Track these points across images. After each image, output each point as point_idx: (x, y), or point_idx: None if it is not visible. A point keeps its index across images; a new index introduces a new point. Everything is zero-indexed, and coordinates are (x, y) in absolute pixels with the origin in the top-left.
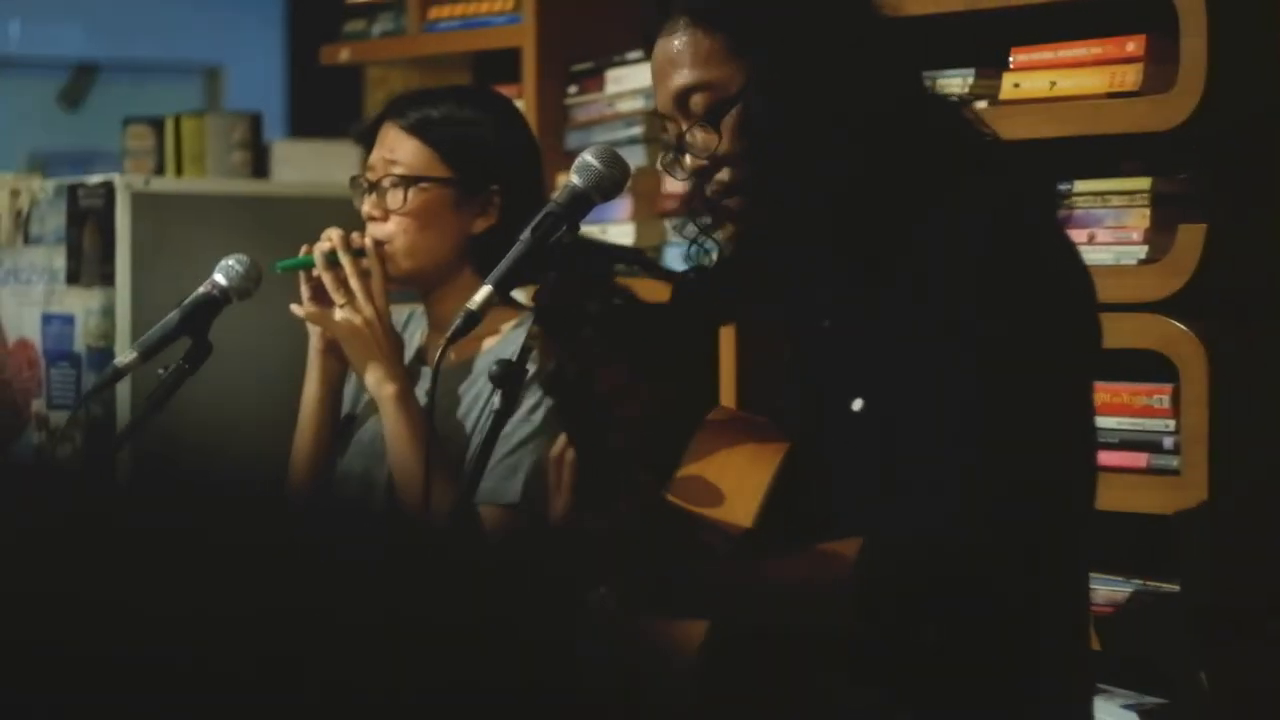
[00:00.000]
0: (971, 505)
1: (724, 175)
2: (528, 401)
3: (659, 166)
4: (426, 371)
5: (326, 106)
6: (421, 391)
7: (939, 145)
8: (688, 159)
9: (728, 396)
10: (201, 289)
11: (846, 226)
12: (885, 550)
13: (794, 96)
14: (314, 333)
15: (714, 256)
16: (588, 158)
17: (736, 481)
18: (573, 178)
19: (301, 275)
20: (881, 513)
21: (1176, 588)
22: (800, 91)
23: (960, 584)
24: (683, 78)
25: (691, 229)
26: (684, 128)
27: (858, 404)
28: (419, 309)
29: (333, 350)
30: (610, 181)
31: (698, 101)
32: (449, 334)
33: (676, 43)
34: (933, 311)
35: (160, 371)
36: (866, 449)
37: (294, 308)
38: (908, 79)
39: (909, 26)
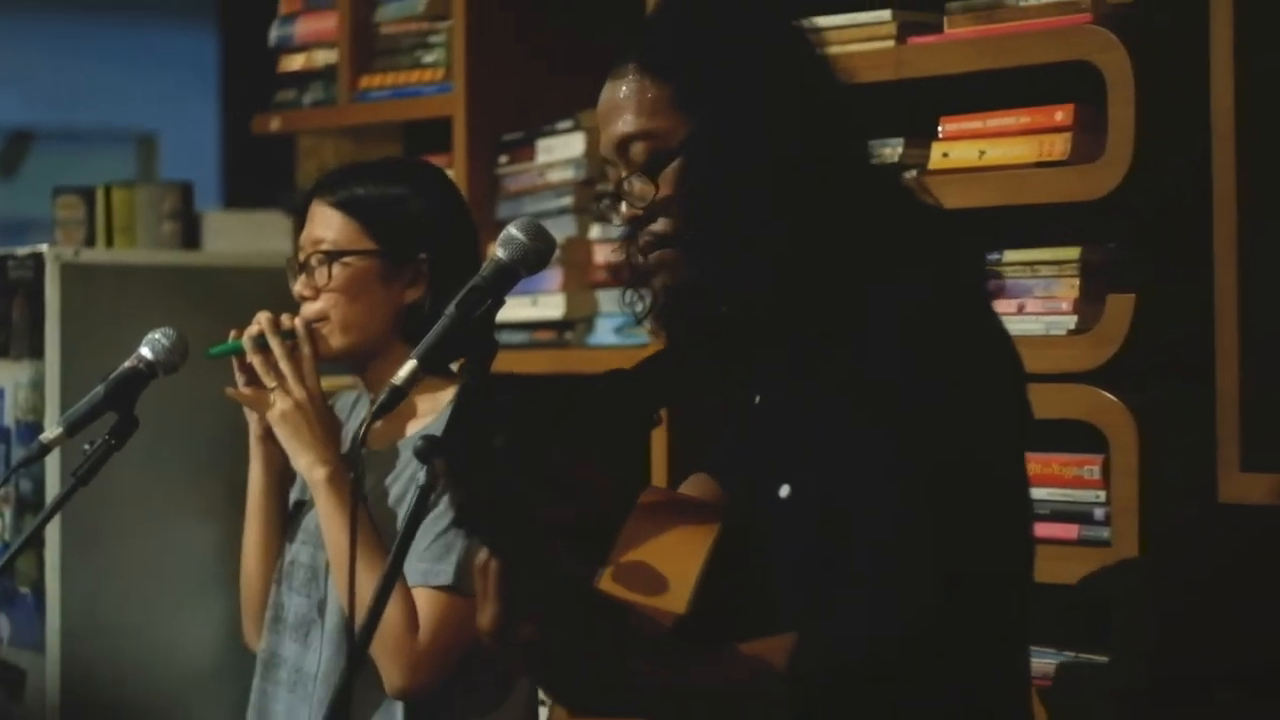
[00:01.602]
0: (897, 601)
1: (658, 225)
2: None
3: (596, 213)
4: (366, 455)
5: (260, 175)
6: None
7: (877, 216)
8: (624, 206)
9: (659, 478)
10: (127, 363)
11: (777, 296)
12: (813, 649)
13: (735, 156)
14: (253, 419)
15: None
16: (512, 230)
17: (669, 565)
18: (497, 251)
19: (234, 360)
20: (812, 605)
21: (1107, 659)
22: (742, 152)
23: (891, 681)
24: (626, 125)
25: (629, 294)
26: (623, 175)
27: (784, 490)
28: (366, 393)
29: (272, 435)
30: (535, 254)
31: (639, 150)
32: (373, 409)
33: (624, 88)
34: (858, 400)
35: (86, 447)
36: (796, 535)
37: (228, 390)
38: (852, 145)
39: (849, 94)
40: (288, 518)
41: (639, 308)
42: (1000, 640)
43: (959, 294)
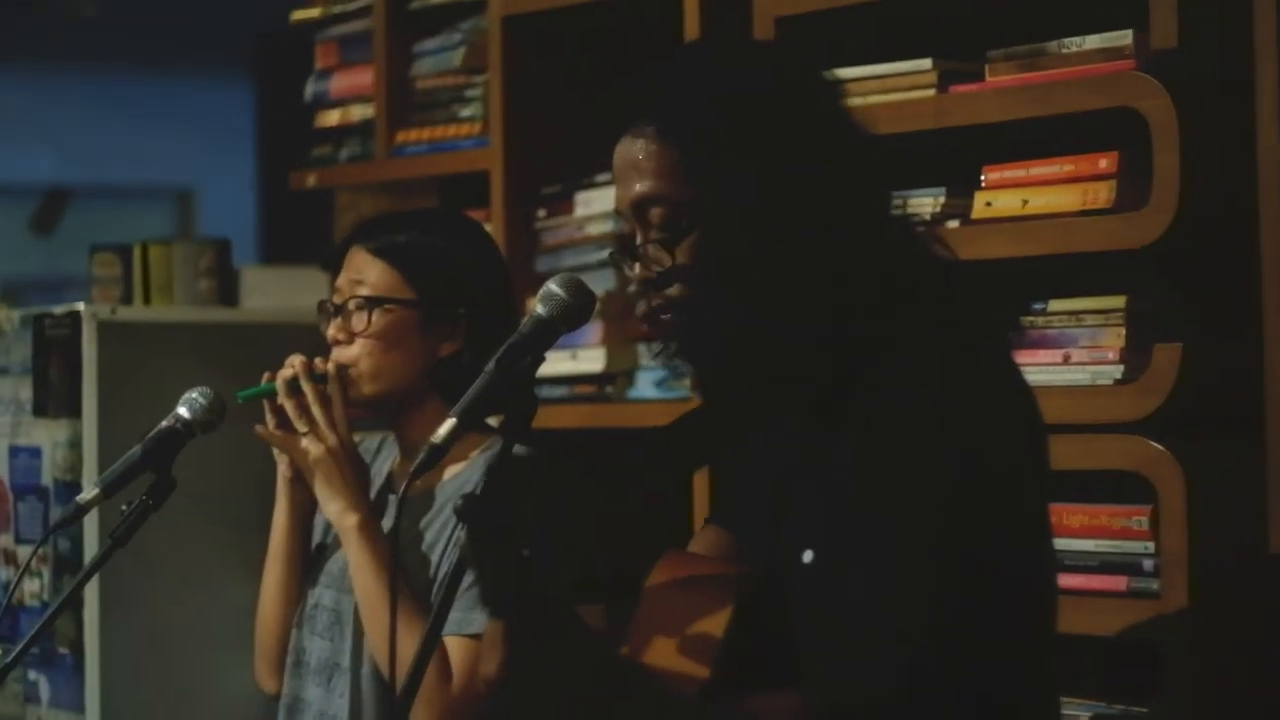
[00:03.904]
0: (898, 662)
1: (673, 290)
2: None
3: (610, 262)
4: (394, 500)
5: (298, 231)
6: (389, 521)
7: (895, 284)
8: (638, 266)
9: (701, 515)
10: (164, 423)
11: (793, 367)
12: (817, 704)
13: (753, 233)
14: (281, 461)
15: (686, 381)
16: (552, 286)
17: (692, 628)
18: (537, 307)
19: (265, 403)
20: (824, 666)
21: (1155, 712)
22: (760, 229)
23: None
24: (643, 186)
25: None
26: (639, 237)
27: (808, 555)
28: (391, 436)
29: (300, 478)
30: (576, 310)
31: (655, 214)
32: (413, 469)
33: (641, 149)
34: (875, 468)
35: (123, 507)
36: (819, 600)
37: (259, 428)
38: (871, 211)
39: (877, 147)
40: (309, 562)
41: (661, 356)
42: (1017, 696)
43: (977, 356)
